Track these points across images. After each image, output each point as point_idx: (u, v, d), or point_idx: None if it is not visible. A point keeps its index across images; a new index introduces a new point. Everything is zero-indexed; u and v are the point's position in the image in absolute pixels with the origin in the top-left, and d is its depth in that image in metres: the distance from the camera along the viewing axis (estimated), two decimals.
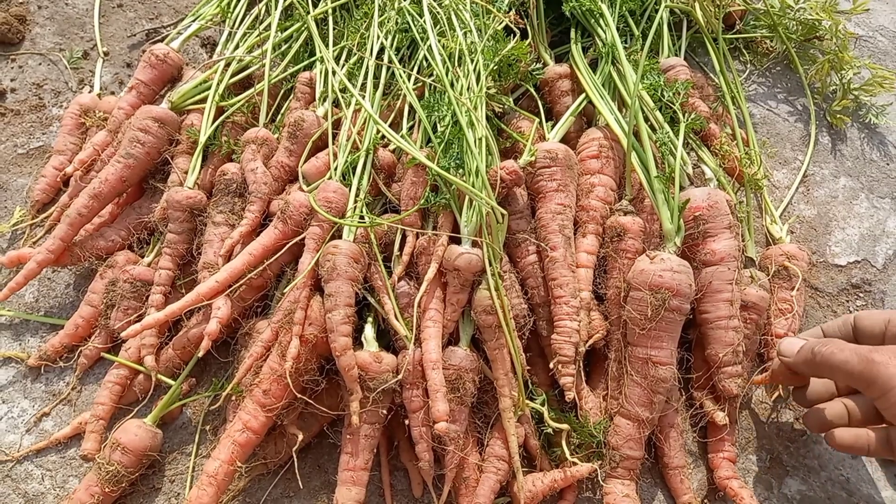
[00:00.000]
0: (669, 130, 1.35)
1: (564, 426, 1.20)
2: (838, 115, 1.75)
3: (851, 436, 1.11)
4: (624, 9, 1.56)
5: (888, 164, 1.70)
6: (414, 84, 1.42)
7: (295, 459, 1.16)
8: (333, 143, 1.36)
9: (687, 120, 1.38)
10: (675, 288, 1.13)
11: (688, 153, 1.53)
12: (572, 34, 1.58)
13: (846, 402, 1.14)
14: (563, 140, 1.42)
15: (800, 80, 1.82)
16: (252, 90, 1.51)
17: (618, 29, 1.53)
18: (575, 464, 1.18)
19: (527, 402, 1.20)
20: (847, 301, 1.48)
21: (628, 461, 1.17)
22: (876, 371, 0.94)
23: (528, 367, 1.26)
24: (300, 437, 1.18)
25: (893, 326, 1.08)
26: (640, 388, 1.16)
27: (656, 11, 1.64)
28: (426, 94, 1.41)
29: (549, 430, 1.21)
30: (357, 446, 1.15)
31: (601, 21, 1.50)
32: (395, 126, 1.43)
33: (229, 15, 1.70)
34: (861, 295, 1.49)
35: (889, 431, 1.07)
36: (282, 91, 1.59)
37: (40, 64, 1.81)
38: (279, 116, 1.55)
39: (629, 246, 1.27)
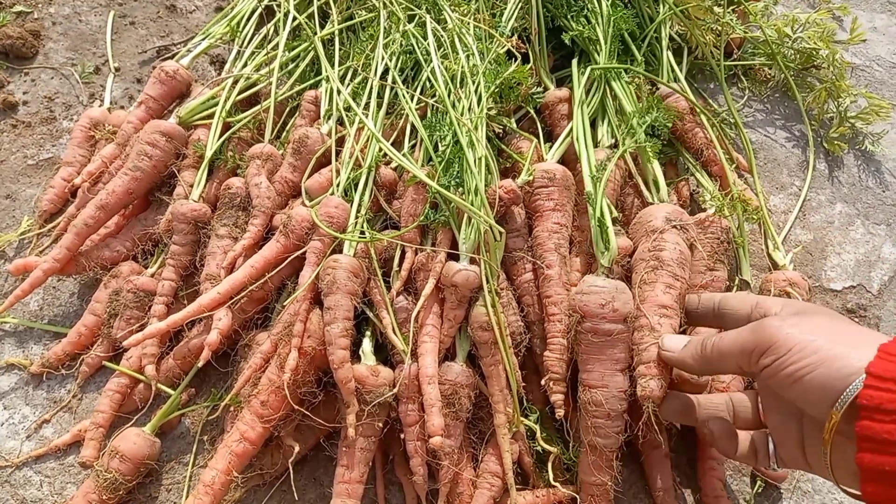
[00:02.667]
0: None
1: (553, 449, 1.21)
2: (835, 142, 1.77)
3: (728, 430, 1.06)
4: (622, 27, 1.58)
5: (884, 192, 1.73)
6: (417, 104, 1.45)
7: (291, 471, 1.17)
8: (336, 160, 1.39)
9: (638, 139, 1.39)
10: (582, 310, 1.13)
11: (687, 177, 1.56)
12: (574, 64, 1.61)
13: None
14: (563, 162, 1.45)
15: (797, 107, 1.84)
16: (258, 107, 1.55)
17: (618, 53, 1.57)
18: (562, 484, 1.20)
19: (521, 419, 1.21)
20: None
21: (594, 487, 1.15)
22: (771, 335, 0.85)
23: (524, 384, 1.27)
24: (296, 448, 1.19)
25: (760, 309, 0.99)
26: (585, 413, 1.14)
27: (657, 40, 1.68)
28: (428, 114, 1.44)
29: (542, 449, 1.22)
30: (353, 459, 1.16)
31: (597, 46, 1.54)
32: (398, 144, 1.46)
33: (238, 34, 1.74)
34: (856, 320, 1.51)
35: (754, 435, 1.04)
36: (287, 108, 1.63)
37: (52, 78, 1.85)
38: (284, 133, 1.58)
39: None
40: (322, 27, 1.69)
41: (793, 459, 0.95)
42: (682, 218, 1.24)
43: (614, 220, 1.34)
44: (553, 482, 1.20)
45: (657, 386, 1.07)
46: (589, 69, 1.51)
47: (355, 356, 1.22)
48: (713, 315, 1.10)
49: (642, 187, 1.40)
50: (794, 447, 0.93)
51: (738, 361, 0.92)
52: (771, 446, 1.00)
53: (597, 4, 1.60)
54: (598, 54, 1.54)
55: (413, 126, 1.44)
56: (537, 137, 1.49)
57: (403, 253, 1.30)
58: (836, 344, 0.79)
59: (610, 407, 1.11)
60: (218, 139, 1.48)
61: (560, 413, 1.18)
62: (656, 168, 1.38)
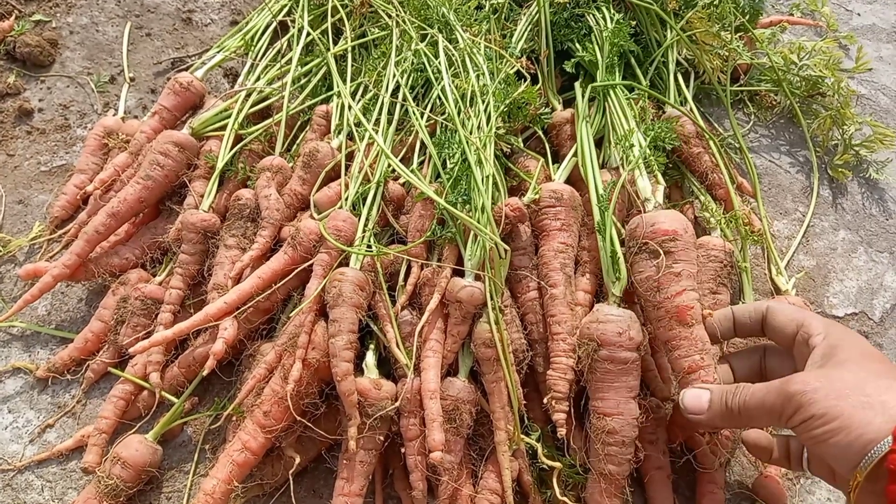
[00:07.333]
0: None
1: (557, 464, 1.21)
2: (839, 169, 1.79)
3: (764, 438, 1.14)
4: (616, 42, 1.60)
5: (887, 220, 1.74)
6: (426, 121, 1.47)
7: (291, 482, 1.18)
8: (346, 175, 1.41)
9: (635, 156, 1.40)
10: (599, 338, 1.13)
11: (691, 201, 1.58)
12: (577, 87, 1.63)
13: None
14: (570, 181, 1.46)
15: (802, 133, 1.86)
16: (270, 120, 1.57)
17: (623, 77, 1.59)
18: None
19: (522, 436, 1.22)
20: None
21: None
22: (796, 401, 0.89)
23: (525, 402, 1.28)
24: (297, 459, 1.20)
25: (804, 334, 1.02)
26: (597, 441, 1.14)
27: (664, 64, 1.71)
28: (438, 131, 1.46)
29: (544, 466, 1.22)
30: (353, 472, 1.17)
31: (596, 67, 1.57)
32: (407, 161, 1.48)
33: (252, 48, 1.77)
34: None
35: (789, 440, 1.11)
36: (298, 122, 1.65)
37: (68, 86, 1.88)
38: (294, 146, 1.60)
39: None
40: (335, 43, 1.72)
41: (822, 475, 1.03)
42: (634, 235, 1.21)
43: (622, 242, 1.35)
44: (560, 497, 1.19)
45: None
46: (589, 87, 1.53)
47: (358, 369, 1.23)
48: (759, 329, 1.13)
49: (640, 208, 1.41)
50: (825, 466, 1.01)
51: (767, 421, 0.97)
52: (805, 455, 1.07)
53: (599, 22, 1.63)
54: (598, 73, 1.57)
55: (422, 143, 1.46)
56: (544, 157, 1.51)
57: (409, 267, 1.31)
58: (858, 408, 0.84)
59: (624, 434, 1.12)
60: (229, 151, 1.50)
61: (562, 432, 1.18)
62: (644, 183, 1.38)
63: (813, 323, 1.02)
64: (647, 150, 1.36)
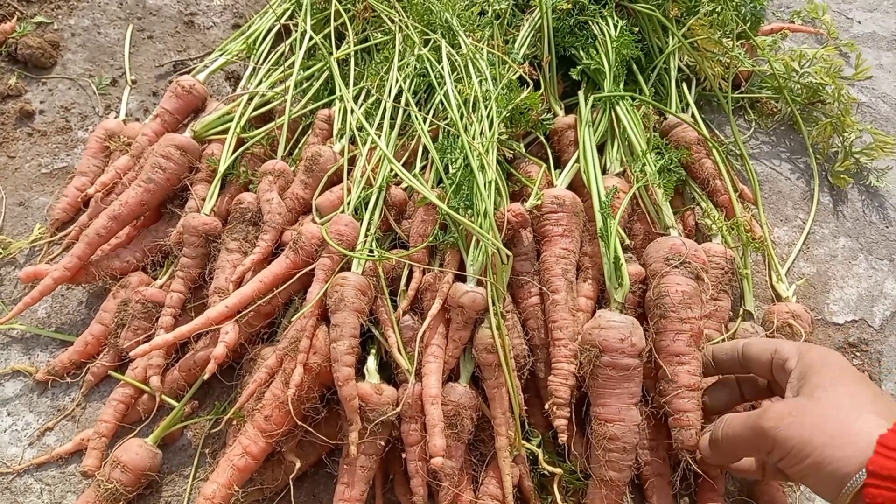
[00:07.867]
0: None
1: (558, 470, 1.21)
2: (840, 176, 1.79)
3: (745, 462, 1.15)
4: (624, 53, 1.60)
5: (887, 227, 1.74)
6: (429, 126, 1.47)
7: (291, 487, 1.17)
8: (348, 179, 1.41)
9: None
10: (601, 344, 1.15)
11: (692, 207, 1.58)
12: (580, 95, 1.63)
13: None
14: (572, 186, 1.46)
15: (803, 140, 1.86)
16: (272, 124, 1.57)
17: (625, 83, 1.60)
18: None
19: (523, 442, 1.22)
20: None
21: None
22: (771, 437, 0.92)
23: (526, 408, 1.27)
24: (298, 464, 1.19)
25: (779, 357, 1.05)
26: (598, 447, 1.15)
27: (666, 71, 1.71)
28: (440, 136, 1.46)
29: (545, 473, 1.22)
30: (353, 477, 1.16)
31: (603, 75, 1.57)
32: (409, 166, 1.48)
33: (254, 51, 1.77)
34: (857, 354, 1.51)
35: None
36: (301, 126, 1.65)
37: (69, 88, 1.88)
38: (297, 150, 1.60)
39: None
40: (337, 47, 1.72)
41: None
42: (680, 253, 1.25)
43: (625, 248, 1.35)
44: (561, 503, 1.19)
45: (689, 436, 1.14)
46: (592, 97, 1.54)
47: (359, 374, 1.23)
48: (739, 364, 1.16)
49: (648, 217, 1.41)
50: None
51: (749, 452, 1.01)
52: None
53: (604, 30, 1.63)
54: (605, 82, 1.57)
55: (425, 148, 1.46)
56: (546, 162, 1.51)
57: (411, 273, 1.31)
58: (829, 445, 0.86)
59: (625, 441, 1.13)
60: (231, 154, 1.50)
61: (563, 438, 1.18)
62: (669, 211, 1.40)
63: (785, 347, 1.05)
64: (657, 175, 1.40)
